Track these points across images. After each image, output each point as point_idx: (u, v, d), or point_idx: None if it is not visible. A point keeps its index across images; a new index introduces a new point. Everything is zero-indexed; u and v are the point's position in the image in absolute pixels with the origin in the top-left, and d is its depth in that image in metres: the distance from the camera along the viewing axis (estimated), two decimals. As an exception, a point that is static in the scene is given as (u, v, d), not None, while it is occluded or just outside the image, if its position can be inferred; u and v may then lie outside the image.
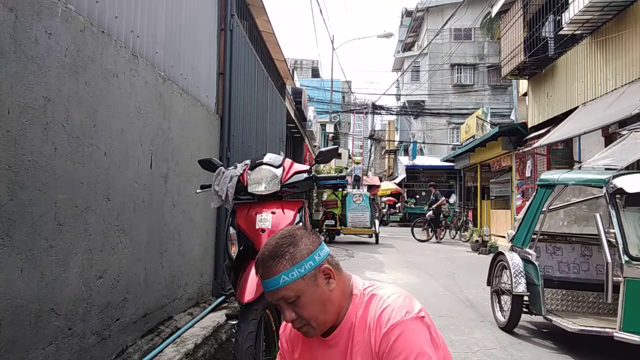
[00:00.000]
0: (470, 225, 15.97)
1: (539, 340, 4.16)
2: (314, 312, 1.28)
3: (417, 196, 25.62)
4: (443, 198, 14.72)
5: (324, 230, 13.88)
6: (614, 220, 3.41)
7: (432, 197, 14.85)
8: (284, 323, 1.52)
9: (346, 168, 22.26)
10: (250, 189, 2.65)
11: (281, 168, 2.68)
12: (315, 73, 31.55)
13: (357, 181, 20.22)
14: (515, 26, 11.26)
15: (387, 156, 37.64)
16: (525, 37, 10.74)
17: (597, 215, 3.55)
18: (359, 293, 1.35)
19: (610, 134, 8.81)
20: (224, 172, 2.76)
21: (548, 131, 10.18)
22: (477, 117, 17.45)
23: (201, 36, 4.38)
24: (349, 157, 26.51)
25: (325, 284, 1.31)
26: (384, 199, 26.17)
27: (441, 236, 14.50)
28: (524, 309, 4.21)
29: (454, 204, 23.20)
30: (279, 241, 1.30)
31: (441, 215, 14.49)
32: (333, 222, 13.37)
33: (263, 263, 1.29)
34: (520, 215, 4.71)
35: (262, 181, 2.63)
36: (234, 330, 2.19)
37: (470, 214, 17.77)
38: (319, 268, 1.30)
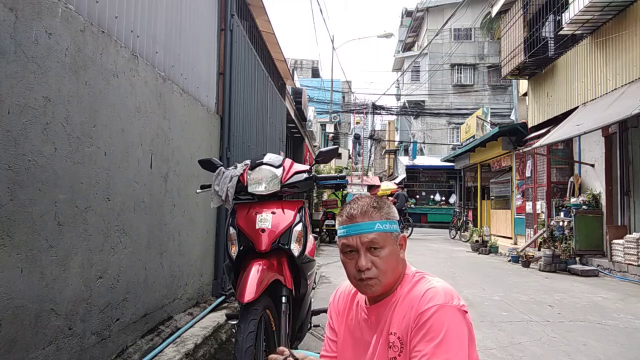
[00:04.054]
0: (470, 225, 15.99)
1: (539, 340, 4.16)
2: (387, 267, 1.37)
3: (417, 196, 25.63)
4: (391, 198, 17.20)
5: (324, 230, 13.88)
6: None
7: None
8: (333, 295, 1.62)
9: (346, 168, 22.29)
10: (250, 189, 2.64)
11: (281, 168, 2.68)
12: (315, 73, 31.53)
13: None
14: (515, 26, 11.26)
15: (387, 156, 37.63)
16: (525, 37, 10.74)
17: None
18: (410, 274, 1.43)
19: (610, 134, 8.82)
20: (224, 172, 2.76)
21: (548, 131, 10.18)
22: (477, 117, 17.43)
23: (201, 36, 4.38)
24: (349, 157, 26.52)
25: (399, 250, 1.41)
26: (391, 198, 26.17)
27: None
28: None
29: (454, 204, 23.27)
30: (378, 200, 1.44)
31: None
32: (333, 222, 13.39)
33: (361, 209, 1.40)
34: None
35: (262, 181, 2.63)
36: (234, 330, 2.19)
37: (470, 214, 17.76)
38: (399, 235, 1.42)
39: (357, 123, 23.15)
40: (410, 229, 16.49)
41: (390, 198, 17.08)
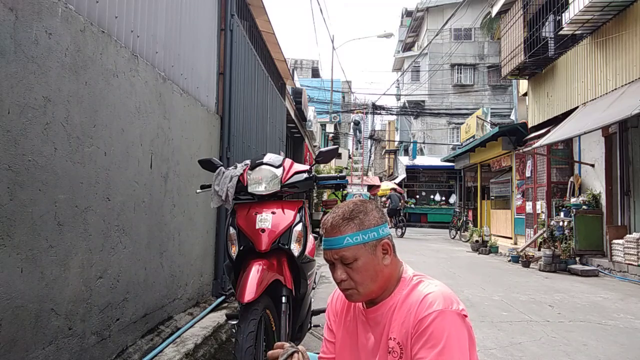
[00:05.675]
0: (470, 225, 15.99)
1: (539, 340, 4.16)
2: (364, 278, 1.35)
3: (417, 196, 25.63)
4: (386, 198, 18.21)
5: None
6: None
7: None
8: (331, 296, 1.61)
9: (346, 168, 22.30)
10: (250, 189, 2.64)
11: (281, 168, 2.68)
12: (315, 73, 31.52)
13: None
14: (515, 26, 11.26)
15: (387, 156, 37.62)
16: (525, 37, 10.74)
17: None
18: (408, 277, 1.41)
19: (610, 134, 8.82)
20: (224, 172, 2.76)
21: (548, 131, 10.18)
22: (477, 117, 17.43)
23: (201, 36, 4.38)
24: (349, 157, 26.51)
25: (381, 257, 1.37)
26: (383, 199, 26.18)
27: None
28: None
29: (454, 204, 23.28)
30: (353, 207, 1.39)
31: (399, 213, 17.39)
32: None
33: (332, 221, 1.37)
34: None
35: (262, 181, 2.63)
36: (234, 330, 2.19)
37: (470, 214, 17.76)
38: (380, 241, 1.37)
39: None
40: (403, 228, 16.71)
41: (384, 199, 17.67)
